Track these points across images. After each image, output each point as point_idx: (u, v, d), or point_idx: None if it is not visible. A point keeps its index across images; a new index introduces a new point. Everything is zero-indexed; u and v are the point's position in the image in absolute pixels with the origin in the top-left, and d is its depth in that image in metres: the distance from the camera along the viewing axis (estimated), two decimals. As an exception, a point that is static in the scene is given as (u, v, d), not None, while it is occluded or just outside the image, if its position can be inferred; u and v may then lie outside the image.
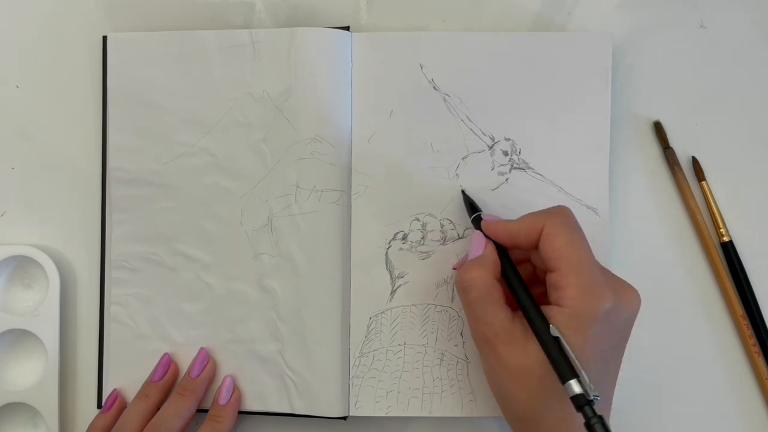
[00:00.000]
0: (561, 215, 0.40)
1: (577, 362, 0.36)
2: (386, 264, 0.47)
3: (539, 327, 0.38)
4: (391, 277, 0.47)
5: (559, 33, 0.48)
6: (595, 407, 0.35)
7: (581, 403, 0.35)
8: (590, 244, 0.46)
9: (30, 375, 0.48)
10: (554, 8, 0.48)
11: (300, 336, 0.46)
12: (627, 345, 0.40)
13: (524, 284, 0.40)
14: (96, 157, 0.49)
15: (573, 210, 0.45)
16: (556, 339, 0.37)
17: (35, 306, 0.48)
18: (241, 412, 0.47)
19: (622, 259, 0.47)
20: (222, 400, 0.46)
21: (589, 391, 0.35)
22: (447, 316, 0.46)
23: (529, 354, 0.38)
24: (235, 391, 0.46)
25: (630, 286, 0.40)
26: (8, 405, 0.48)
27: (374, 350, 0.46)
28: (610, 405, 0.41)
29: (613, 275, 0.40)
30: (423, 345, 0.46)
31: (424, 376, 0.46)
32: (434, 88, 0.47)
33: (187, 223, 0.47)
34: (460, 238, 0.47)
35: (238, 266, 0.47)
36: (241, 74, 0.47)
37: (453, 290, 0.46)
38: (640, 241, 0.48)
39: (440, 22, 0.49)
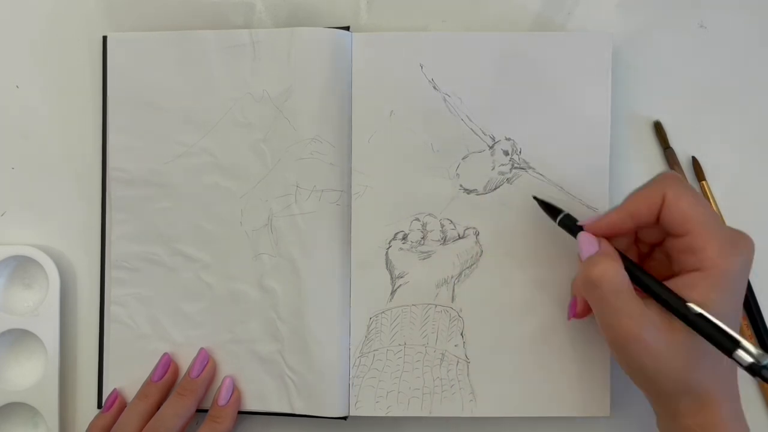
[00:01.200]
0: (677, 178, 0.39)
1: (733, 333, 0.36)
2: (386, 264, 0.47)
3: (680, 307, 0.37)
4: (391, 277, 0.47)
5: (559, 33, 0.48)
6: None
7: (757, 369, 0.35)
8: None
9: (30, 375, 0.48)
10: (554, 8, 0.48)
11: (300, 336, 0.46)
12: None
13: (647, 272, 0.39)
14: (96, 157, 0.49)
15: (573, 210, 0.46)
16: (701, 315, 0.37)
17: (35, 306, 0.48)
18: (241, 412, 0.47)
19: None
20: (222, 401, 0.46)
21: (760, 359, 0.35)
22: (447, 316, 0.46)
23: (676, 332, 0.38)
24: (235, 391, 0.46)
25: (743, 233, 0.39)
26: (8, 405, 0.48)
27: (374, 350, 0.46)
28: None
29: (730, 228, 0.40)
30: (423, 345, 0.46)
31: (424, 376, 0.46)
32: (434, 88, 0.47)
33: (187, 223, 0.47)
34: (460, 238, 0.47)
35: (238, 266, 0.47)
36: (241, 74, 0.47)
37: (453, 290, 0.46)
38: None
39: (440, 22, 0.49)
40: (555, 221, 0.43)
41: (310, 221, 0.46)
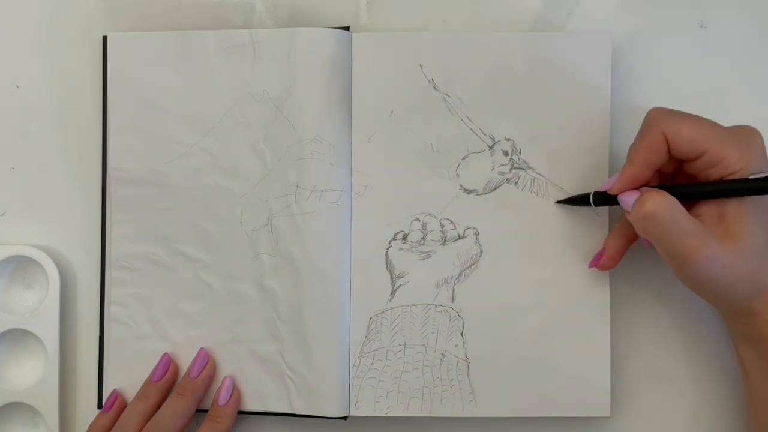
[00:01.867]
0: (664, 113, 0.40)
1: None
2: (386, 264, 0.47)
3: (745, 183, 0.39)
4: (392, 277, 0.47)
5: (559, 33, 0.48)
6: None
7: None
8: (590, 244, 0.46)
9: (30, 375, 0.48)
10: (554, 8, 0.48)
11: (300, 336, 0.46)
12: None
13: (688, 185, 0.41)
14: (96, 157, 0.49)
15: (573, 210, 0.46)
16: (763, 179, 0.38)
17: (35, 306, 0.48)
18: (241, 412, 0.47)
19: (627, 257, 0.46)
20: (221, 401, 0.46)
21: None
22: (447, 316, 0.46)
23: (738, 238, 0.39)
24: (235, 391, 0.46)
25: (746, 126, 0.41)
26: (8, 405, 0.48)
27: (374, 350, 0.46)
28: None
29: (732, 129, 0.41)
30: (423, 345, 0.46)
31: (424, 376, 0.46)
32: (434, 88, 0.47)
33: (187, 223, 0.47)
34: (460, 238, 0.46)
35: (238, 266, 0.47)
36: (241, 74, 0.47)
37: (454, 290, 0.46)
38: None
39: (440, 22, 0.49)
40: (591, 205, 0.44)
41: (310, 221, 0.46)
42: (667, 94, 0.48)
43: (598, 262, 0.45)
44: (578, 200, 0.45)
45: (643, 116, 0.48)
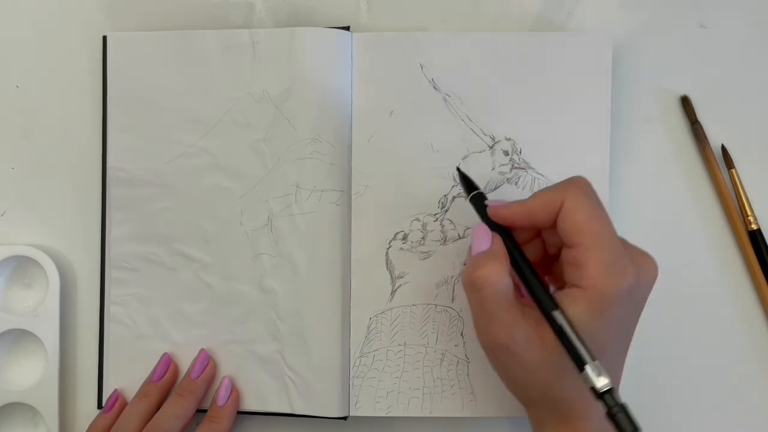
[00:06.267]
0: (581, 186, 0.37)
1: (583, 352, 0.34)
2: (386, 264, 0.47)
3: (548, 312, 0.36)
4: (392, 277, 0.47)
5: (559, 33, 0.48)
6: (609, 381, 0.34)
7: (597, 393, 0.34)
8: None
9: (30, 375, 0.48)
10: (554, 8, 0.48)
11: (300, 336, 0.46)
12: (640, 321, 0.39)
13: (534, 271, 0.38)
14: (96, 157, 0.49)
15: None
16: (562, 328, 0.35)
17: (35, 306, 0.48)
18: (240, 413, 0.47)
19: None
20: (220, 401, 0.46)
21: (596, 383, 0.34)
22: (447, 316, 0.46)
23: (546, 344, 0.36)
24: (233, 391, 0.46)
25: (647, 256, 0.38)
26: (8, 405, 0.48)
27: (374, 350, 0.46)
28: (620, 376, 0.40)
29: (631, 245, 0.39)
30: (423, 345, 0.46)
31: (424, 376, 0.46)
32: (434, 88, 0.47)
33: (187, 223, 0.47)
34: (460, 238, 0.47)
35: (237, 266, 0.47)
36: (241, 74, 0.47)
37: (454, 290, 0.46)
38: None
39: (440, 22, 0.49)
40: (467, 197, 0.42)
41: (310, 221, 0.46)
42: (667, 94, 0.48)
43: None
44: (468, 184, 0.42)
45: (643, 116, 0.48)
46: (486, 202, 0.40)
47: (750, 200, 0.47)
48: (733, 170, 0.47)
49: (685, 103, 0.48)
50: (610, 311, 0.36)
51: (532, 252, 0.41)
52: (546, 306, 0.36)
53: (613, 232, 0.37)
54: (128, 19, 0.49)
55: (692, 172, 0.48)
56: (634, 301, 0.37)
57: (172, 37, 0.47)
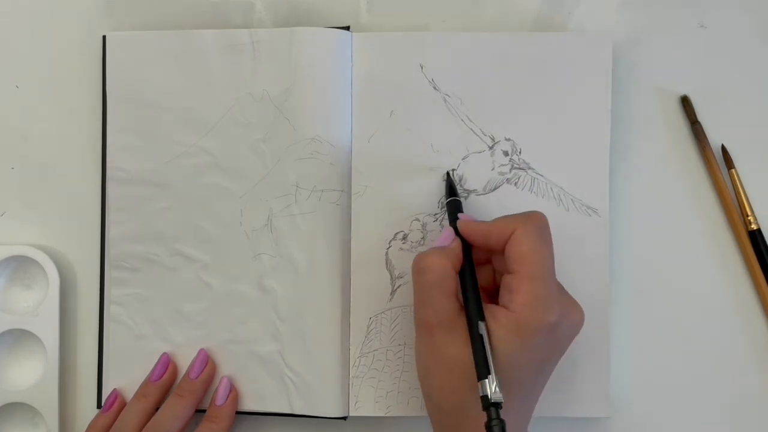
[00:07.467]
0: (535, 221, 0.39)
1: (491, 363, 0.36)
2: (386, 264, 0.47)
3: (473, 321, 0.38)
4: (391, 277, 0.47)
5: (559, 33, 0.48)
6: (519, 413, 0.36)
7: (487, 403, 0.35)
8: (589, 244, 0.46)
9: (30, 375, 0.48)
10: (554, 8, 0.48)
11: (300, 336, 0.46)
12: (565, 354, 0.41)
13: (476, 283, 0.40)
14: (96, 157, 0.49)
15: (573, 210, 0.46)
16: (481, 337, 0.37)
17: (35, 306, 0.48)
18: (240, 413, 0.47)
19: (627, 257, 0.47)
20: (219, 401, 0.46)
21: (490, 394, 0.35)
22: (447, 316, 0.46)
23: (465, 347, 0.38)
24: (232, 391, 0.46)
25: (577, 306, 0.40)
26: (8, 405, 0.48)
27: (374, 350, 0.46)
28: (532, 411, 0.41)
29: (566, 292, 0.41)
30: (423, 345, 0.46)
31: (424, 376, 0.46)
32: (434, 88, 0.47)
33: (187, 223, 0.47)
34: (460, 238, 0.47)
35: (237, 266, 0.47)
36: (241, 74, 0.47)
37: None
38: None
39: (440, 22, 0.49)
40: (446, 199, 0.45)
41: (310, 221, 0.46)
42: (667, 95, 0.48)
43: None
44: (450, 191, 0.45)
45: (643, 116, 0.48)
46: (459, 214, 0.43)
47: (750, 200, 0.47)
48: (733, 170, 0.47)
49: (685, 103, 0.48)
50: (529, 339, 0.38)
51: (484, 276, 0.43)
52: (473, 314, 0.38)
53: (551, 270, 0.39)
54: (127, 18, 0.49)
55: (692, 172, 0.48)
56: (554, 338, 0.39)
57: (171, 37, 0.47)
